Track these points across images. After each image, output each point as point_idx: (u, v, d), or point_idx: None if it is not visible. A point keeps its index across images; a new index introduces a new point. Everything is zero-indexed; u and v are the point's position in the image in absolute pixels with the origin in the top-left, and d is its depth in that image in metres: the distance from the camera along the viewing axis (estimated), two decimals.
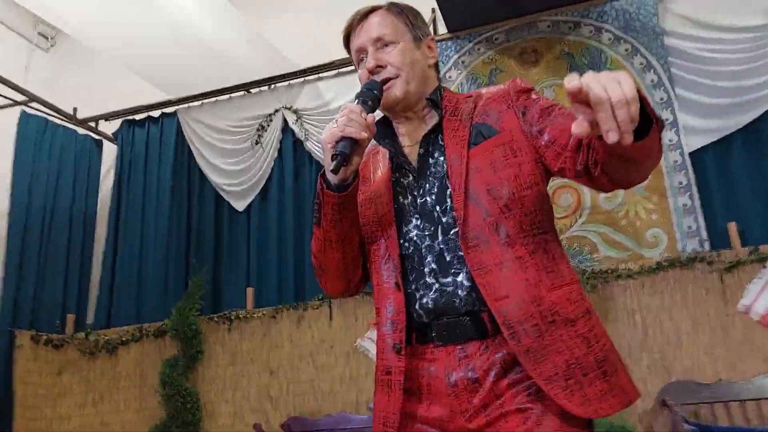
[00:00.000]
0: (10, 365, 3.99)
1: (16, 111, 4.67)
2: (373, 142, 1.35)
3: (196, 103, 4.73)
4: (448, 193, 1.21)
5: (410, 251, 1.22)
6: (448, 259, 1.18)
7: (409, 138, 1.33)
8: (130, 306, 4.38)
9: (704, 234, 3.36)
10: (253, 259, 4.33)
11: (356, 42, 1.35)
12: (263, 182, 4.46)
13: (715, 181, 3.51)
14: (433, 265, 1.19)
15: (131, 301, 4.39)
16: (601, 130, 0.86)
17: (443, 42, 4.09)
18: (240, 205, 4.50)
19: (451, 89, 4.11)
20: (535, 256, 1.15)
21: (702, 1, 3.67)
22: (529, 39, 3.92)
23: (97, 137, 5.06)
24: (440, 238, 1.19)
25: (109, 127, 5.06)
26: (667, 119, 3.56)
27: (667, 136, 3.53)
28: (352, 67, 4.43)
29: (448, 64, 4.05)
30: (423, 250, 1.20)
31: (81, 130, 4.97)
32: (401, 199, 1.27)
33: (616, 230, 3.50)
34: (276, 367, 3.78)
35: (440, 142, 1.27)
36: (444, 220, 1.20)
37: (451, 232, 1.18)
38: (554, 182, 3.60)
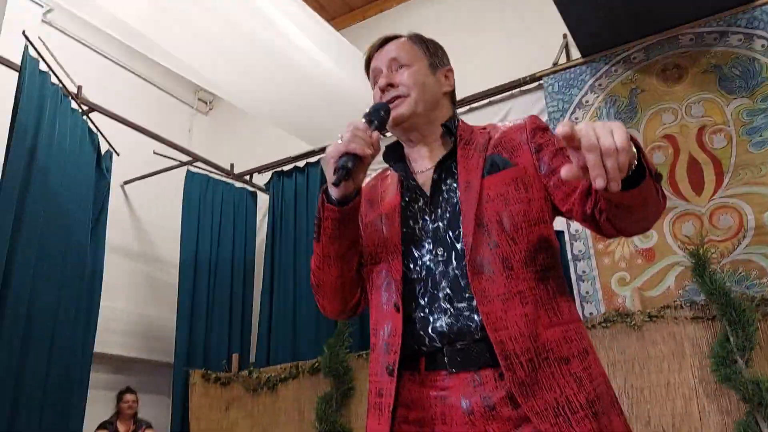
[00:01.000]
0: (186, 401, 4.40)
1: (182, 170, 5.22)
2: (384, 165, 1.38)
3: None
4: (460, 219, 1.20)
5: (423, 275, 1.21)
6: (462, 284, 1.17)
7: (422, 163, 1.34)
8: (287, 344, 4.64)
9: None
10: None
11: (374, 64, 1.39)
12: None
13: None
14: (448, 291, 1.18)
15: (287, 340, 4.66)
16: (590, 176, 0.88)
17: (577, 67, 3.98)
18: None
19: (589, 113, 4.07)
20: (535, 292, 1.14)
21: None
22: (671, 54, 3.70)
23: (251, 189, 5.51)
24: (454, 263, 1.19)
25: (262, 179, 5.49)
26: None
27: None
28: (484, 102, 4.46)
29: (584, 88, 3.92)
30: (437, 276, 1.19)
31: (238, 184, 5.45)
32: (411, 223, 1.27)
33: None
34: None
35: (453, 170, 1.26)
36: (458, 246, 1.19)
37: (466, 259, 1.18)
38: (710, 203, 3.34)
